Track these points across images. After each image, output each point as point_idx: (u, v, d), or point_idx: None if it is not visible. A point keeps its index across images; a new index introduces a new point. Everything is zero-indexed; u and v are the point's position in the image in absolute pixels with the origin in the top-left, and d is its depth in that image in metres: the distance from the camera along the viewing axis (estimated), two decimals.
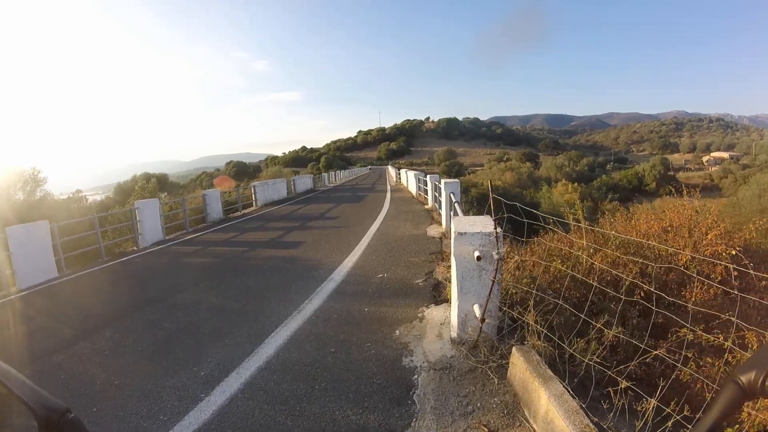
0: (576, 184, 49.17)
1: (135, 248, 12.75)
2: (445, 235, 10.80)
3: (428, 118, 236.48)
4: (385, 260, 8.75)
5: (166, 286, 7.96)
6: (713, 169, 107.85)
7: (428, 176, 18.10)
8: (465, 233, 4.39)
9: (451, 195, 10.01)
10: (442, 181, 12.90)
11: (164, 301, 6.92)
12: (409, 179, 27.44)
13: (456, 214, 6.94)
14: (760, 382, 0.75)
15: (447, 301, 5.95)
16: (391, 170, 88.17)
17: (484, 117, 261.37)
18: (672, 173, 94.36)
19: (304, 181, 35.12)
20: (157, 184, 35.40)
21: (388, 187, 32.86)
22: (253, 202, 23.22)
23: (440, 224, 12.38)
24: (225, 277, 8.34)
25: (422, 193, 21.18)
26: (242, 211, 20.85)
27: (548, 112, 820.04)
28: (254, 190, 23.54)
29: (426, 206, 17.60)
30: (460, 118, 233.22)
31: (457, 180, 14.08)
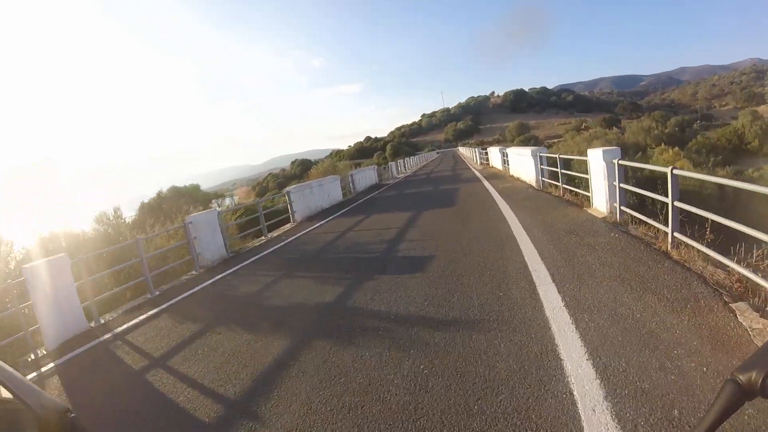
0: (676, 148, 41.87)
1: None
2: None
3: (493, 93, 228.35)
4: None
5: None
6: None
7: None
8: None
9: None
10: None
11: None
12: (519, 161, 18.34)
13: None
14: (759, 381, 0.74)
15: None
16: (464, 151, 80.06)
17: (549, 86, 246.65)
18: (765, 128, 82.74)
19: (366, 176, 27.60)
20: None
21: (476, 173, 24.76)
22: (290, 216, 15.79)
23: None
24: None
25: (550, 180, 13.50)
26: (269, 235, 13.63)
27: (614, 74, 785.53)
28: (290, 199, 15.94)
29: (590, 209, 9.50)
30: (526, 89, 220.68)
31: None
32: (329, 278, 7.42)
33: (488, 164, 30.08)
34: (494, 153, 27.30)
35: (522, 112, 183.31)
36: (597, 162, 8.85)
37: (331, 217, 15.51)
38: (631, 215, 7.77)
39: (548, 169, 14.01)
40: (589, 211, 9.35)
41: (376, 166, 31.26)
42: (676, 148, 42.54)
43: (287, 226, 15.16)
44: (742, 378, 0.75)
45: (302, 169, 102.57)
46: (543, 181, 14.29)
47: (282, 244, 11.66)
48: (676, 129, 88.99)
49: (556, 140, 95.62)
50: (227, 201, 34.34)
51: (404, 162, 46.93)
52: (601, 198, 8.98)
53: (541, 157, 14.47)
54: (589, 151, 9.43)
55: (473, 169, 29.32)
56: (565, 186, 11.89)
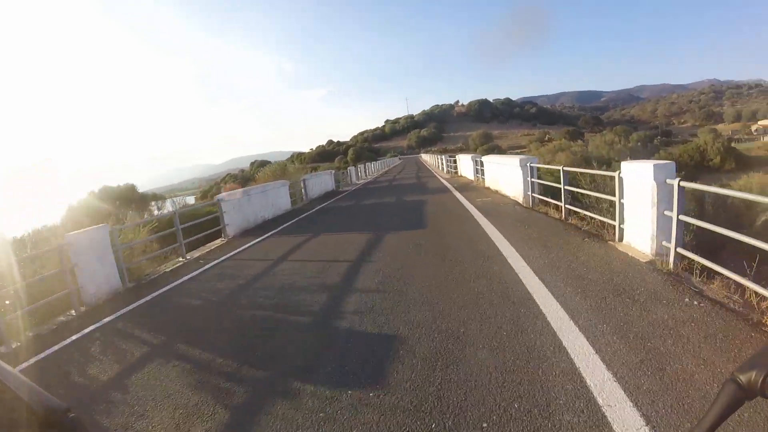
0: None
1: None
2: None
3: (458, 102, 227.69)
4: None
5: None
6: None
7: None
8: None
9: None
10: None
11: None
12: (499, 172, 15.36)
13: None
14: (759, 382, 0.74)
15: None
16: (427, 158, 77.85)
17: (513, 98, 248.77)
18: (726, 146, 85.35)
19: (321, 181, 24.40)
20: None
21: (444, 182, 22.13)
22: (222, 230, 12.65)
23: None
24: None
25: (542, 197, 11.19)
26: (189, 256, 10.54)
27: (576, 89, 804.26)
28: (221, 209, 12.79)
29: (618, 244, 6.78)
30: (490, 99, 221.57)
31: None
32: (209, 381, 4.10)
33: (456, 173, 27.47)
34: (465, 161, 24.35)
35: (486, 122, 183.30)
36: (641, 181, 6.09)
37: (270, 233, 12.41)
38: (693, 261, 5.18)
39: (540, 183, 11.38)
40: (619, 247, 6.64)
41: (333, 171, 27.88)
42: None
43: (217, 242, 12.04)
44: (742, 378, 0.76)
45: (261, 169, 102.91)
46: (533, 197, 11.59)
47: (194, 273, 8.48)
48: (639, 144, 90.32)
49: (518, 150, 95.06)
50: (169, 204, 30.39)
51: (365, 167, 43.81)
52: (640, 231, 6.29)
53: (532, 168, 11.76)
54: (626, 165, 6.61)
55: (439, 178, 26.54)
56: (570, 207, 9.19)
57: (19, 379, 0.81)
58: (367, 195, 21.12)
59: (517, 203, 12.26)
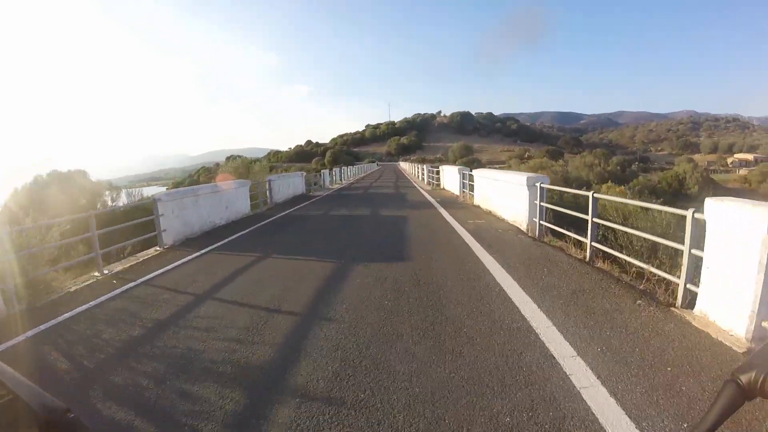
0: (622, 186, 41.21)
1: None
2: None
3: (440, 113, 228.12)
4: None
5: None
6: (750, 170, 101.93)
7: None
8: None
9: None
10: None
11: None
12: (496, 190, 13.05)
13: None
14: (759, 382, 0.74)
15: None
16: (405, 166, 75.75)
17: (495, 113, 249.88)
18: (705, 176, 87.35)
19: (290, 184, 21.78)
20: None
21: (426, 195, 20.04)
22: (158, 238, 10.17)
23: None
24: None
25: (552, 225, 9.08)
26: (106, 270, 8.20)
27: (557, 109, 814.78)
28: (157, 211, 10.17)
29: (692, 317, 4.44)
30: (473, 113, 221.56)
31: None
32: None
33: (439, 185, 25.20)
34: (450, 173, 21.86)
35: (467, 135, 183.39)
36: (741, 230, 3.98)
37: (214, 246, 9.94)
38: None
39: (552, 209, 9.22)
40: (694, 321, 4.49)
41: (304, 174, 25.30)
42: (623, 187, 41.06)
43: (150, 252, 9.64)
44: (742, 378, 0.75)
45: (236, 165, 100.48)
46: (540, 225, 9.39)
47: (88, 306, 6.01)
48: (618, 168, 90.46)
49: (498, 166, 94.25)
50: (124, 196, 26.67)
51: (341, 171, 41.47)
52: (731, 303, 4.17)
53: (542, 189, 9.49)
54: (715, 204, 4.34)
55: (420, 189, 24.18)
56: (599, 246, 7.01)
57: (18, 379, 0.79)
58: (339, 203, 18.78)
59: (520, 231, 10.06)
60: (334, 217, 14.37)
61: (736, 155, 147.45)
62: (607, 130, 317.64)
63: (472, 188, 16.26)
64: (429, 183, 28.97)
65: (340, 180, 38.55)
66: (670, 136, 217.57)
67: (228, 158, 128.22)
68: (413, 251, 8.34)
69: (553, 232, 9.05)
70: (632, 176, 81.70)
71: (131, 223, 9.82)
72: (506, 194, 11.85)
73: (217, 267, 7.90)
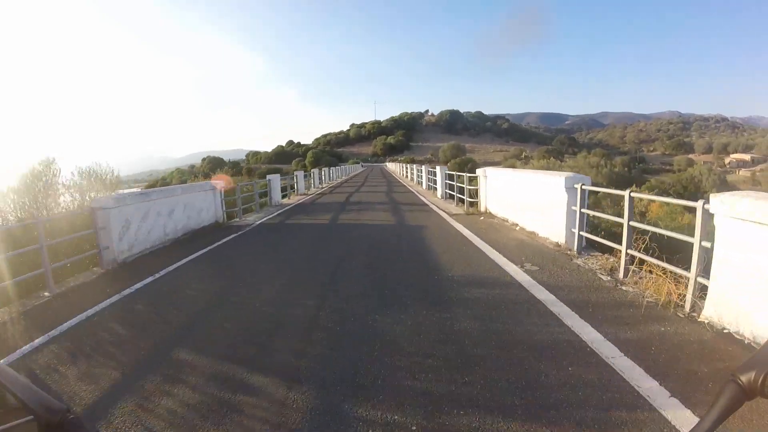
0: (635, 187, 35.91)
1: None
2: None
3: (428, 111, 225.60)
4: None
5: None
6: (753, 170, 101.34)
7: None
8: None
9: None
10: None
11: None
12: (521, 192, 10.00)
13: None
14: (760, 381, 0.72)
15: None
16: (393, 167, 68.71)
17: (483, 112, 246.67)
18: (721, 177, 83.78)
19: (172, 209, 10.30)
20: None
21: (436, 208, 14.75)
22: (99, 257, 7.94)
23: None
24: None
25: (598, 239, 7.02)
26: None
27: (541, 110, 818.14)
28: (97, 224, 7.69)
29: None
30: (461, 111, 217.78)
31: None
32: None
33: (475, 204, 17.96)
34: (488, 179, 14.45)
35: (456, 134, 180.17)
36: None
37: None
38: None
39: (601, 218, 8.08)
40: None
41: (219, 190, 12.65)
42: (635, 188, 37.47)
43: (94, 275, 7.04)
44: (742, 378, 0.74)
45: (212, 166, 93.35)
46: (580, 237, 7.02)
47: None
48: (625, 169, 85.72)
49: (492, 167, 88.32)
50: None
51: (321, 174, 33.37)
52: None
53: (583, 193, 7.15)
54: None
55: (420, 195, 19.65)
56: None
57: (17, 380, 0.79)
58: (289, 236, 11.03)
59: (557, 247, 7.64)
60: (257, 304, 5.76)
61: (732, 155, 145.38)
62: (593, 130, 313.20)
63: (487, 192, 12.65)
64: (428, 188, 21.88)
65: (320, 183, 31.36)
66: (660, 136, 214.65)
67: (203, 159, 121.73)
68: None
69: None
70: (638, 178, 77.36)
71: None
72: (533, 199, 9.50)
73: None
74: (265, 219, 13.97)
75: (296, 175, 24.63)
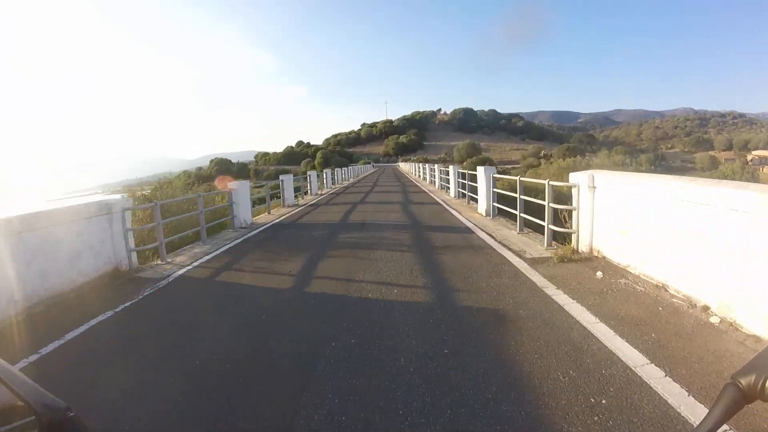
0: None
1: None
2: None
3: (440, 110, 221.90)
4: None
5: None
6: None
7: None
8: None
9: None
10: None
11: None
12: (674, 221, 5.38)
13: None
14: (760, 384, 0.74)
15: None
16: (406, 167, 64.29)
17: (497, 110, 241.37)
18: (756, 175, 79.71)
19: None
20: None
21: (495, 243, 8.45)
22: None
23: None
24: None
25: None
26: None
27: (553, 108, 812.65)
28: None
29: None
30: (475, 109, 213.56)
31: None
32: None
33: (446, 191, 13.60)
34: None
35: (470, 132, 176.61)
36: None
37: None
38: None
39: None
40: None
41: (111, 215, 7.78)
42: None
43: None
44: (742, 381, 0.75)
45: (219, 169, 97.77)
46: None
47: None
48: (651, 167, 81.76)
49: (510, 166, 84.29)
50: None
51: (326, 176, 29.29)
52: None
53: None
54: None
55: (451, 209, 14.29)
56: None
57: (18, 378, 0.78)
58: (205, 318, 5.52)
59: None
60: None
61: (754, 152, 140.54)
62: (606, 128, 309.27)
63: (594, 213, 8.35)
64: (459, 197, 17.19)
65: (324, 188, 26.86)
66: (677, 133, 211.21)
67: (211, 161, 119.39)
68: None
69: None
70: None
71: None
72: (711, 235, 4.80)
73: None
74: (205, 259, 8.42)
75: (311, 176, 20.60)
